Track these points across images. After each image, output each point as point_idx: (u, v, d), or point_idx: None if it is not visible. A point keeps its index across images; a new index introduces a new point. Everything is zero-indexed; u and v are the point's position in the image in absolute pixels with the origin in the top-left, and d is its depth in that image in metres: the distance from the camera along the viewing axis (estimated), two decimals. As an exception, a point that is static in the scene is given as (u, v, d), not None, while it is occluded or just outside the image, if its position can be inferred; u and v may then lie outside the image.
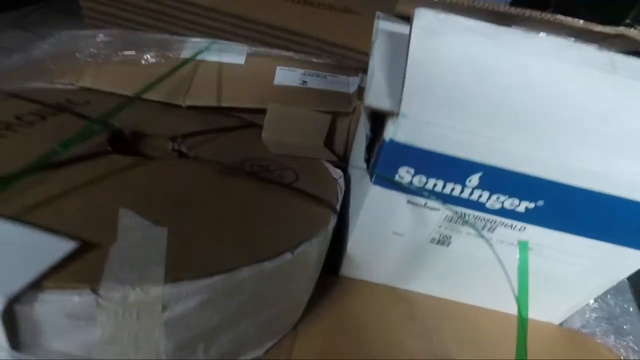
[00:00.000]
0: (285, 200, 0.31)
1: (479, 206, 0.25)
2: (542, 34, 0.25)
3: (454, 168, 0.23)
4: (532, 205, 0.24)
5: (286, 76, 0.49)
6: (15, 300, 0.17)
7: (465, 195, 0.24)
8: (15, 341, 0.18)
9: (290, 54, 0.51)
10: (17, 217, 0.21)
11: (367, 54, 0.29)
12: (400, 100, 0.21)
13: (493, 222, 0.26)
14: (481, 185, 0.24)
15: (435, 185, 0.24)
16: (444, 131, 0.21)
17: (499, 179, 0.23)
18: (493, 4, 0.27)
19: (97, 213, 0.23)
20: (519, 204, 0.24)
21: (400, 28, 0.29)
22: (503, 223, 0.26)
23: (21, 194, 0.23)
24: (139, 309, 0.19)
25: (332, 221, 0.31)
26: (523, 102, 0.23)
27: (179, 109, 0.45)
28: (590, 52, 0.25)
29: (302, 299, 0.30)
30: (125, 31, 0.50)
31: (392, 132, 0.22)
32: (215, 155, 0.37)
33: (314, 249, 0.28)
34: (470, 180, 0.23)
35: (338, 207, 0.32)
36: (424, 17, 0.24)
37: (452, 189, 0.24)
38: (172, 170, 0.32)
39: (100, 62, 0.45)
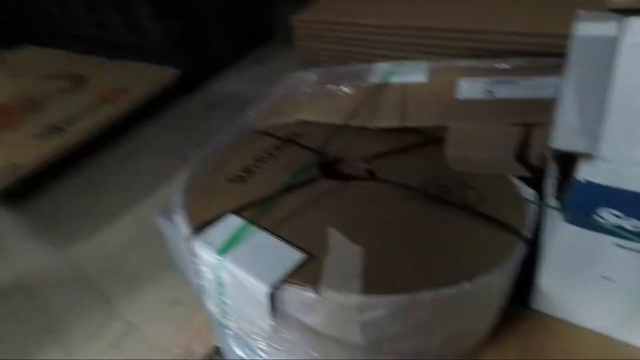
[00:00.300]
0: (467, 225, 0.33)
1: None
2: None
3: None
4: None
5: (470, 88, 0.48)
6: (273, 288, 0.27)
7: None
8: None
9: (473, 62, 0.50)
10: (271, 230, 0.32)
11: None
12: (599, 140, 0.20)
13: None
14: None
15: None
16: None
17: None
18: None
19: (314, 230, 0.32)
20: None
21: (609, 31, 0.25)
22: None
23: (269, 212, 0.35)
24: (342, 308, 0.27)
25: (520, 251, 0.30)
26: None
27: (369, 132, 0.52)
28: None
29: (482, 326, 0.31)
30: (327, 68, 0.62)
31: (588, 173, 0.21)
32: (401, 176, 0.42)
33: (496, 280, 0.29)
34: None
35: (528, 234, 0.31)
36: (637, 29, 0.21)
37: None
38: (365, 193, 0.39)
39: (311, 98, 0.58)
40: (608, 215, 0.22)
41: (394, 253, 0.30)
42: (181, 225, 0.35)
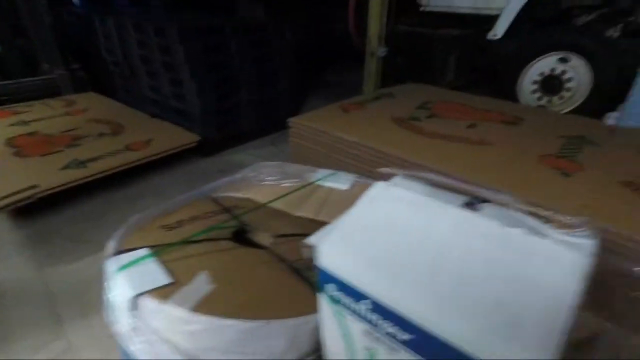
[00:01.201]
0: (299, 290, 0.48)
1: (375, 327, 0.34)
2: (458, 209, 0.34)
3: (354, 293, 0.34)
4: (408, 337, 0.31)
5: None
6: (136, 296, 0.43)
7: (366, 316, 0.34)
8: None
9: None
10: (164, 262, 0.49)
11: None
12: (326, 239, 0.36)
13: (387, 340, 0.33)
14: (375, 312, 0.33)
15: (350, 303, 0.36)
16: (352, 268, 0.34)
17: (384, 312, 0.32)
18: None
19: (194, 269, 0.48)
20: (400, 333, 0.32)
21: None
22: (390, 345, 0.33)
23: (171, 252, 0.52)
24: (175, 319, 0.41)
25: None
26: (417, 259, 0.32)
27: (292, 217, 0.69)
28: (489, 228, 0.31)
29: None
30: (282, 164, 0.82)
31: (318, 261, 0.37)
32: (285, 252, 0.58)
33: (294, 327, 0.42)
34: (365, 304, 0.34)
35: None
36: (376, 187, 0.39)
37: (357, 308, 0.35)
38: (251, 257, 0.55)
39: (261, 183, 0.78)
40: (331, 289, 0.37)
41: (239, 295, 0.45)
42: (109, 251, 0.52)
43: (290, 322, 0.42)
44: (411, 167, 0.85)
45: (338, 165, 1.05)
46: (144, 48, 1.81)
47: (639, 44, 1.65)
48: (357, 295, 0.34)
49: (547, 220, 0.34)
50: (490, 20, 1.98)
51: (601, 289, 0.44)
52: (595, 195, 0.66)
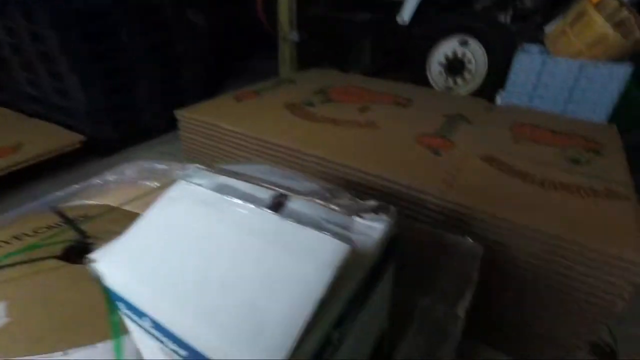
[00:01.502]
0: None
1: (161, 343, 0.30)
2: (251, 207, 0.31)
3: (137, 311, 0.30)
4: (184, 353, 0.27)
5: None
6: None
7: (153, 334, 0.30)
8: None
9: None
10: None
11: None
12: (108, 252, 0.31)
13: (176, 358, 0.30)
14: (156, 330, 0.29)
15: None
16: (130, 283, 0.30)
17: (162, 330, 0.28)
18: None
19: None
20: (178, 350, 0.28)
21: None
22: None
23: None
24: None
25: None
26: (190, 269, 0.29)
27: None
28: (268, 224, 0.28)
29: None
30: (148, 161, 0.75)
31: (101, 275, 0.32)
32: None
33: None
34: (147, 322, 0.30)
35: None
36: (176, 187, 0.34)
37: (145, 326, 0.31)
38: (82, 275, 0.48)
39: (121, 186, 0.70)
40: (124, 309, 0.32)
41: (41, 325, 0.39)
42: None
43: (99, 347, 0.37)
44: (293, 155, 0.82)
45: (229, 159, 1.00)
46: (14, 35, 1.58)
47: (526, 28, 1.80)
48: (139, 313, 0.30)
49: (349, 208, 0.33)
50: (401, 5, 2.03)
51: (424, 263, 0.45)
52: (455, 171, 0.69)
